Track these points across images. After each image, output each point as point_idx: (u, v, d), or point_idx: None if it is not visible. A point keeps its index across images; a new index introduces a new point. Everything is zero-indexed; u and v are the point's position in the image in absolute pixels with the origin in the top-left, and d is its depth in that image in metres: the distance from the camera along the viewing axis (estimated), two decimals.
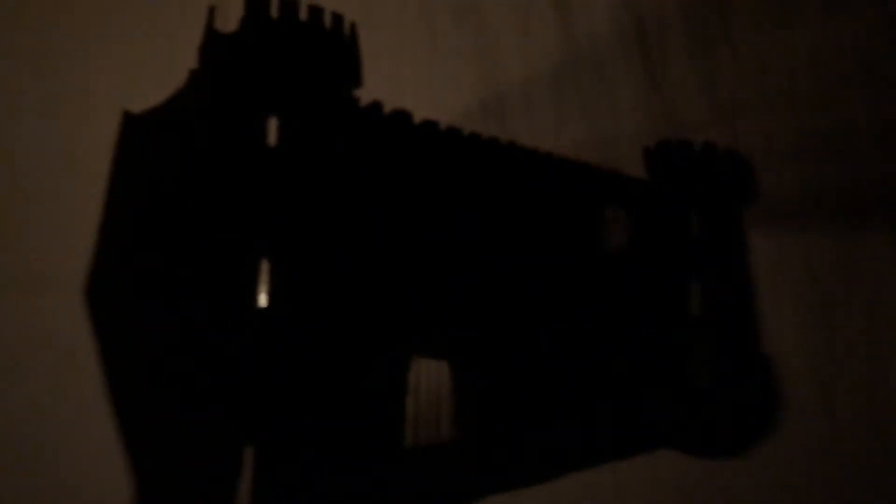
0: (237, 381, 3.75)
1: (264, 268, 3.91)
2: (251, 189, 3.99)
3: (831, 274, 5.86)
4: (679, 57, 6.08)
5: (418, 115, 4.68)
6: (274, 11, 4.15)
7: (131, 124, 4.11)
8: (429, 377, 4.51)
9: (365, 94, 4.49)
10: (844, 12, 6.20)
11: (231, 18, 4.19)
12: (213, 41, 4.26)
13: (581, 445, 5.15)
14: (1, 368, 3.68)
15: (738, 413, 5.58)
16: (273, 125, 4.08)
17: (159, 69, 4.20)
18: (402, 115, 4.63)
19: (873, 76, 6.18)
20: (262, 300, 3.88)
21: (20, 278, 3.79)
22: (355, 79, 4.50)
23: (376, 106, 4.53)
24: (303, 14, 4.20)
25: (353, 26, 4.45)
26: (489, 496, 4.55)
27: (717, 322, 5.71)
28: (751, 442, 5.51)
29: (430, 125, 4.73)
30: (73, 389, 3.74)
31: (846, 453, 5.43)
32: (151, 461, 3.77)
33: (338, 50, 4.35)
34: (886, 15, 6.22)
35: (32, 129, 3.97)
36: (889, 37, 6.18)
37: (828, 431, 5.51)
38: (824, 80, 6.18)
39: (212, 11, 4.21)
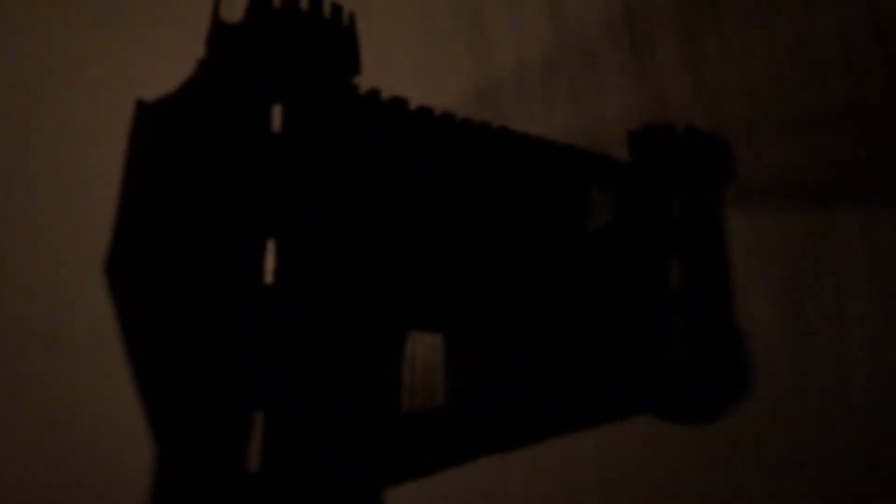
0: (246, 352, 3.98)
1: (271, 247, 4.12)
2: (258, 173, 4.20)
3: (804, 251, 6.03)
4: (667, 43, 6.21)
5: (414, 101, 4.85)
6: (276, 1, 4.33)
7: (144, 112, 4.30)
8: (424, 349, 4.74)
9: (363, 81, 4.65)
10: (827, 1, 6.32)
11: (236, 8, 4.37)
12: (218, 31, 4.42)
13: (565, 411, 5.38)
14: (32, 342, 3.90)
15: (713, 381, 5.81)
16: (277, 112, 4.27)
17: (170, 60, 4.36)
18: (398, 102, 4.81)
19: (853, 64, 6.31)
20: (269, 277, 4.10)
21: (45, 258, 4.00)
22: (354, 67, 4.64)
23: (374, 93, 4.70)
24: (303, 4, 4.38)
25: (351, 16, 4.60)
26: (479, 458, 4.80)
27: (695, 296, 5.93)
28: (725, 409, 5.73)
29: (425, 111, 4.90)
30: (96, 360, 3.97)
31: (814, 421, 5.63)
32: (170, 426, 4.01)
33: (337, 39, 4.54)
34: (867, 4, 6.33)
35: (52, 118, 4.17)
36: (869, 26, 6.30)
37: (797, 400, 5.70)
38: (806, 66, 6.30)
39: (217, 2, 4.38)
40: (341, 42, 4.56)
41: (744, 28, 6.34)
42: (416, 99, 4.86)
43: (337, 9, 4.51)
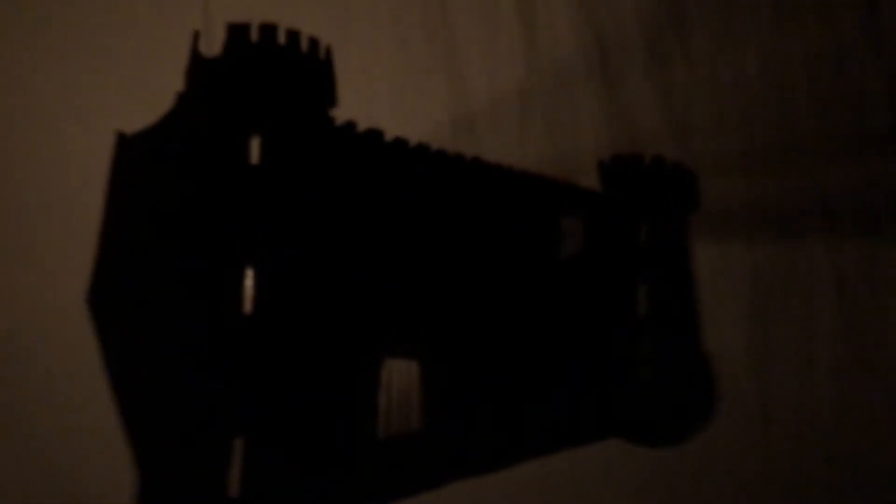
0: (227, 380, 4.05)
1: (249, 276, 4.19)
2: (236, 203, 4.26)
3: (770, 276, 6.19)
4: (637, 74, 6.37)
5: (390, 132, 4.93)
6: (254, 35, 4.39)
7: (125, 145, 4.37)
8: (400, 375, 4.82)
9: (341, 111, 4.72)
10: (793, 32, 6.50)
11: (215, 42, 4.45)
12: (198, 65, 4.49)
13: (539, 435, 5.50)
14: (15, 370, 3.96)
15: (681, 405, 5.93)
16: (256, 144, 4.34)
17: (150, 93, 4.43)
18: (374, 133, 4.89)
19: (819, 93, 6.48)
20: (248, 306, 4.16)
21: (28, 287, 4.06)
22: (331, 99, 4.71)
23: (350, 125, 4.78)
24: (281, 38, 4.44)
25: (328, 49, 4.67)
26: (456, 481, 4.86)
27: (663, 322, 6.07)
28: (693, 431, 5.87)
29: (400, 142, 4.99)
30: (80, 388, 4.02)
31: (780, 441, 5.76)
32: (152, 452, 4.06)
33: (314, 72, 4.60)
34: (832, 35, 6.51)
35: (34, 150, 4.24)
36: (833, 58, 6.47)
37: (763, 421, 5.83)
38: (772, 96, 6.47)
39: (196, 36, 4.46)
40: (318, 75, 4.62)
41: (712, 62, 6.51)
42: (391, 130, 4.94)
43: (314, 42, 4.57)
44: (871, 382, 5.85)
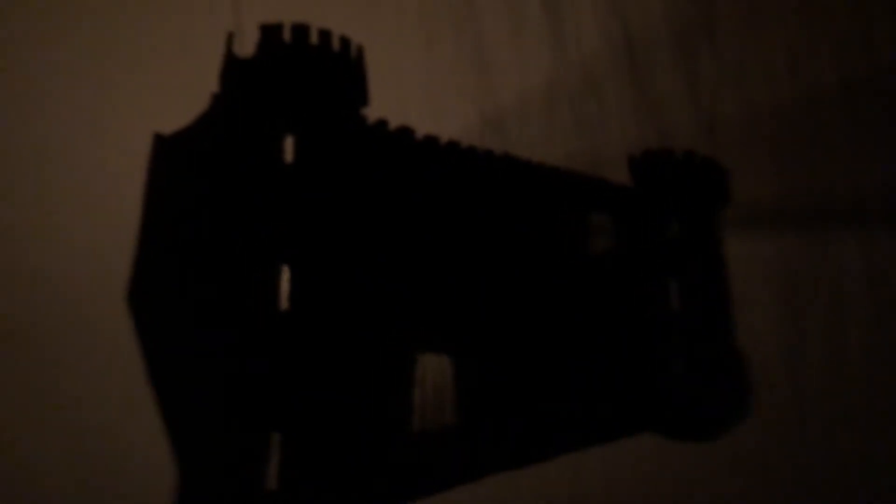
0: (264, 376, 4.12)
1: (285, 273, 4.25)
2: (271, 202, 4.34)
3: (801, 270, 6.17)
4: (665, 69, 6.38)
5: (421, 130, 5.01)
6: (287, 36, 4.47)
7: (162, 145, 4.45)
8: (433, 371, 4.86)
9: (372, 110, 4.82)
10: (821, 25, 6.48)
11: (248, 44, 4.53)
12: (232, 66, 4.57)
13: (572, 429, 5.53)
14: (58, 369, 4.04)
15: (714, 398, 5.93)
16: (290, 143, 4.41)
17: (186, 94, 4.51)
18: (405, 131, 4.96)
19: (848, 86, 6.45)
20: (284, 303, 4.23)
21: (69, 287, 4.14)
22: (363, 98, 4.78)
23: (382, 123, 4.84)
24: (313, 38, 4.53)
25: (359, 49, 4.75)
26: (490, 475, 4.92)
27: (695, 316, 6.06)
28: (727, 425, 5.88)
29: (431, 140, 5.05)
30: (121, 385, 4.11)
31: (813, 435, 5.74)
32: (192, 447, 4.14)
33: (346, 72, 4.68)
34: (861, 28, 6.48)
35: (74, 152, 4.33)
36: (861, 51, 6.45)
37: (796, 414, 5.82)
38: (801, 89, 6.45)
39: (230, 38, 4.56)
40: (350, 74, 4.69)
41: (741, 55, 6.50)
42: (422, 127, 5.02)
43: (345, 42, 4.64)
44: None
